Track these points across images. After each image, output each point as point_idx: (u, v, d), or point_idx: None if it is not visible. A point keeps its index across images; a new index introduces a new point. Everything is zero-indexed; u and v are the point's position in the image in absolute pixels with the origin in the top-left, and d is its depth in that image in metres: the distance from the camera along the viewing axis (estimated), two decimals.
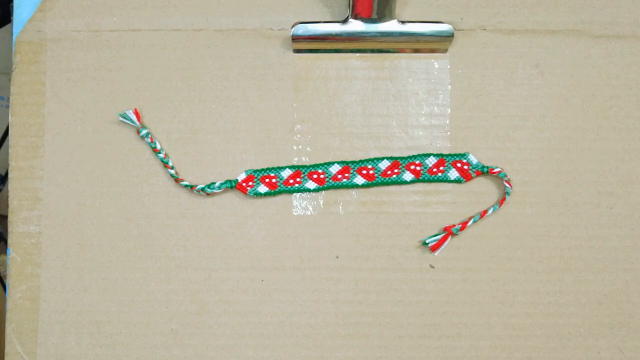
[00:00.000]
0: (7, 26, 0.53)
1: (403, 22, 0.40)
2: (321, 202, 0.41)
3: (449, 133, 0.41)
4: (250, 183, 0.40)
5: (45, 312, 0.40)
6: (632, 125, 0.41)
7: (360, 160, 0.41)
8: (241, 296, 0.41)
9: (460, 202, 0.41)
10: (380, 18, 0.39)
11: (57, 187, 0.41)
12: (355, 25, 0.39)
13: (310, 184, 0.41)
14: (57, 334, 0.40)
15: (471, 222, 0.40)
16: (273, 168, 0.41)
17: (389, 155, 0.41)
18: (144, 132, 0.40)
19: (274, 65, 0.41)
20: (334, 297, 0.40)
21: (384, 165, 0.41)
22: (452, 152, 0.41)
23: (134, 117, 0.40)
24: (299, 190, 0.41)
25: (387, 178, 0.40)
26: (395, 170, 0.40)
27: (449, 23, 0.40)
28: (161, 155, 0.40)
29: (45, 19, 0.41)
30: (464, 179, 0.40)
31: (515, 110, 0.41)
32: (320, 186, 0.41)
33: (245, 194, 0.40)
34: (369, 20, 0.39)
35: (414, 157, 0.41)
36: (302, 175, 0.41)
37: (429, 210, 0.41)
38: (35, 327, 0.40)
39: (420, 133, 0.41)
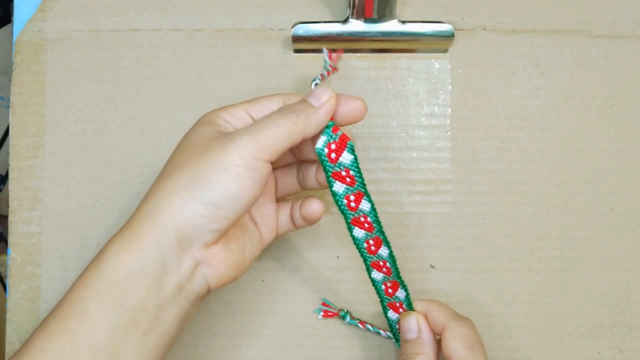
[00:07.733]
0: (7, 26, 0.53)
1: (403, 22, 0.40)
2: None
3: (449, 133, 0.41)
4: None
5: (46, 312, 0.40)
6: (632, 125, 0.41)
7: None
8: (241, 296, 0.40)
9: (461, 202, 0.41)
10: (381, 18, 0.39)
11: (57, 187, 0.41)
12: (356, 25, 0.39)
13: None
14: None
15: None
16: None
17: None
18: None
19: (274, 65, 0.41)
20: (334, 297, 0.40)
21: None
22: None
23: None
24: None
25: None
26: None
27: (449, 23, 0.40)
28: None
29: (46, 19, 0.41)
30: None
31: (516, 110, 0.41)
32: None
33: None
34: (369, 20, 0.39)
35: None
36: None
37: (429, 210, 0.41)
38: (35, 327, 0.40)
39: (421, 133, 0.41)
